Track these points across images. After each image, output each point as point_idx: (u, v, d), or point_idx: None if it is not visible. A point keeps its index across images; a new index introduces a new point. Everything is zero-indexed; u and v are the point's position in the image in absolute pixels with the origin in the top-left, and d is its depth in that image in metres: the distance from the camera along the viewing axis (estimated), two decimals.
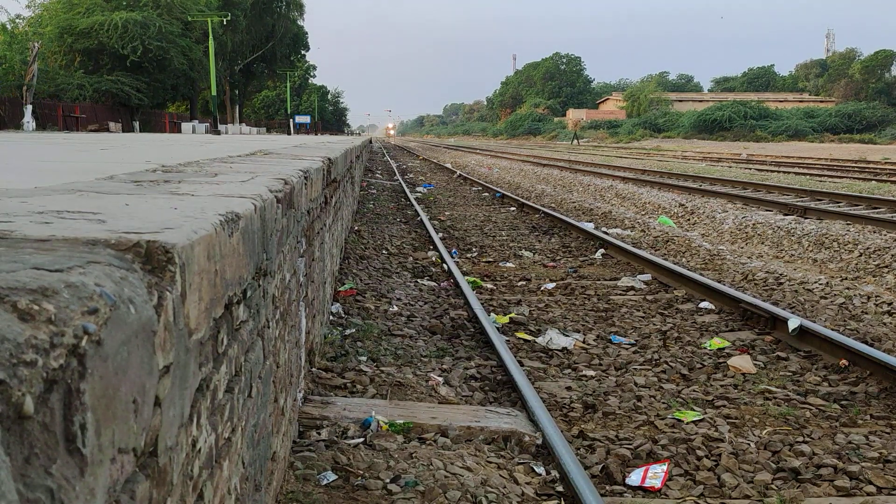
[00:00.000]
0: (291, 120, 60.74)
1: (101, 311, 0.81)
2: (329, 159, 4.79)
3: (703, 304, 6.41)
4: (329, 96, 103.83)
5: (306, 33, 60.50)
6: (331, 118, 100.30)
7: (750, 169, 23.63)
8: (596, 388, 4.52)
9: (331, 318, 5.67)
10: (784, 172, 21.44)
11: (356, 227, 11.06)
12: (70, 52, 36.37)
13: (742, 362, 4.89)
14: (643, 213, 13.24)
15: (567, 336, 5.54)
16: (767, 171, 22.52)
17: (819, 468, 3.42)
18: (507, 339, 5.44)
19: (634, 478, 3.33)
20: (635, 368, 4.90)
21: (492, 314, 6.09)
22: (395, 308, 6.20)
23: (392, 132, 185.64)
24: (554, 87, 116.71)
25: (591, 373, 4.81)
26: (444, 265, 8.09)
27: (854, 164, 25.98)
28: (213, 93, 39.52)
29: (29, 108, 26.11)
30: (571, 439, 3.73)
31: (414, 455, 3.25)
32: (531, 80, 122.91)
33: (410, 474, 3.05)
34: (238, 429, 1.72)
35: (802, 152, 37.73)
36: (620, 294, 7.03)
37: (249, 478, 1.91)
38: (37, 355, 0.68)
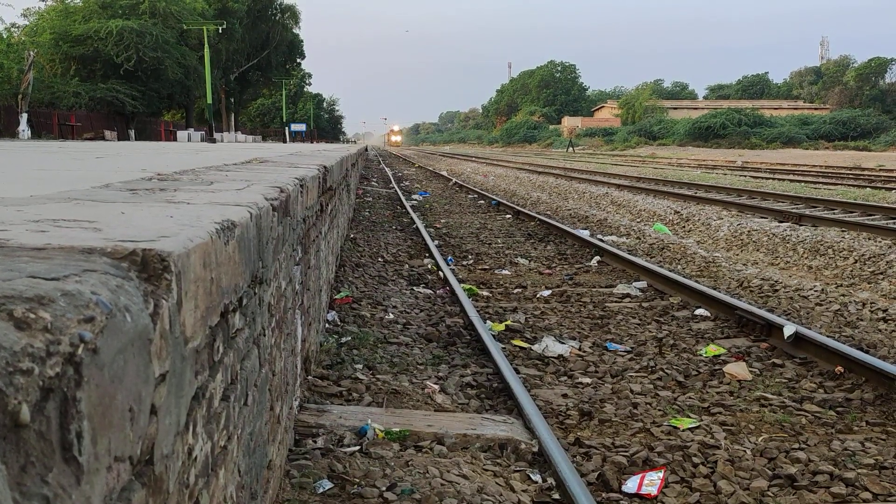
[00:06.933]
0: (287, 128, 60.81)
1: (97, 320, 0.81)
2: (325, 167, 4.80)
3: (699, 311, 6.41)
4: (324, 104, 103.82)
5: (302, 41, 60.53)
6: (326, 126, 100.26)
7: (745, 176, 23.70)
8: (592, 395, 4.52)
9: (327, 325, 5.66)
10: (779, 179, 21.49)
11: (352, 235, 11.06)
12: (66, 59, 36.34)
13: (738, 369, 4.90)
14: (638, 220, 13.26)
15: (563, 343, 5.54)
16: (762, 178, 22.58)
17: (815, 475, 3.42)
18: (503, 346, 5.44)
19: (631, 485, 3.33)
20: (631, 376, 4.90)
21: (488, 321, 6.09)
22: (391, 316, 6.19)
23: (397, 138, 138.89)
24: (549, 95, 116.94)
25: (587, 380, 4.81)
26: (440, 273, 8.09)
27: (849, 171, 26.06)
28: (209, 101, 39.54)
29: (24, 117, 26.12)
30: (568, 447, 3.72)
31: (410, 463, 3.25)
32: (526, 87, 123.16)
33: (407, 482, 3.05)
34: (234, 437, 1.72)
35: (797, 159, 37.84)
36: (616, 301, 7.03)
37: (245, 486, 1.91)
38: (33, 364, 0.69)
